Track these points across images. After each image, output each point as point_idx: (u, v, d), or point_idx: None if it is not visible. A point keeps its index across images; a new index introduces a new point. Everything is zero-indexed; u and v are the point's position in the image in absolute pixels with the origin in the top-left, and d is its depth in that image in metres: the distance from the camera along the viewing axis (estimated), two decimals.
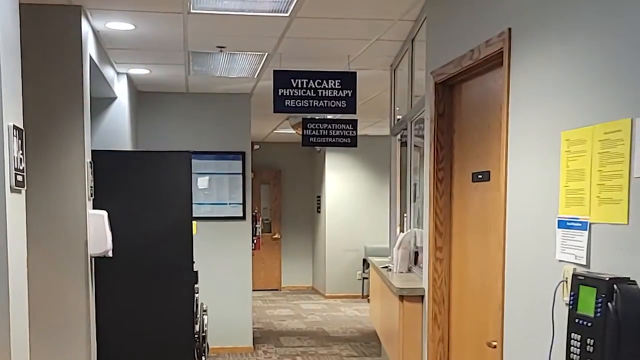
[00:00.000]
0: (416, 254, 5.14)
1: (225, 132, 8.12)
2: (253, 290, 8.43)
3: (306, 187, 13.73)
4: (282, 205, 13.72)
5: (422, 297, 4.23)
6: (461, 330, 3.90)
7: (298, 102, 5.99)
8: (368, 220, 12.44)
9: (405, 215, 5.46)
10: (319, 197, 13.14)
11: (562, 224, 2.50)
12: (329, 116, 9.18)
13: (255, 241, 8.85)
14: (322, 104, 6.03)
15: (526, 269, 2.82)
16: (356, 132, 9.10)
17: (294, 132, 10.67)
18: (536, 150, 2.75)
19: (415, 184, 5.18)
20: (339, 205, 12.54)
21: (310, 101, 6.01)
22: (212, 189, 8.23)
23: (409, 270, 5.10)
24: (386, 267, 5.40)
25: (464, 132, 3.82)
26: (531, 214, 2.79)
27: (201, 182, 8.16)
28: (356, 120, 9.09)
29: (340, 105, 6.05)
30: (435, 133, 4.01)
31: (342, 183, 12.55)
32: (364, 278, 12.26)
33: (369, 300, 12.14)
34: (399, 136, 6.46)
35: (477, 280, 3.62)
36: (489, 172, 3.45)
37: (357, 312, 10.99)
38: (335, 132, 9.14)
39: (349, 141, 9.14)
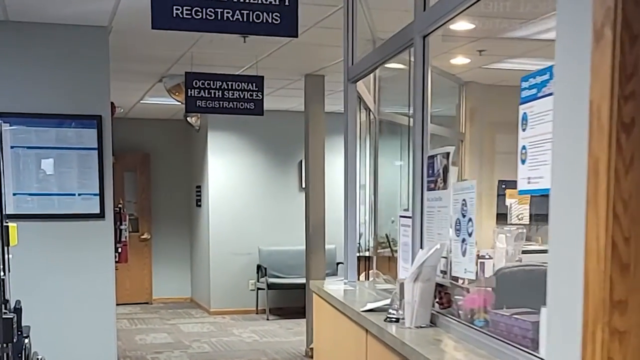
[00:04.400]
0: (440, 287, 2.65)
1: (71, 86, 5.28)
2: (117, 305, 5.73)
3: (183, 175, 11.14)
4: (153, 198, 11.11)
5: None
6: None
7: (197, 12, 3.34)
8: (263, 216, 10.17)
9: (406, 213, 2.94)
10: (199, 187, 10.55)
11: None
12: (225, 71, 6.55)
13: (120, 250, 6.04)
14: (239, 17, 3.41)
15: None
16: (262, 95, 6.57)
17: (172, 99, 7.92)
18: None
19: (440, 155, 2.64)
20: (226, 197, 10.03)
21: (217, 11, 3.39)
22: (53, 171, 5.43)
23: (432, 322, 2.60)
24: (373, 310, 2.85)
25: None
26: None
27: (46, 165, 5.41)
28: (262, 78, 6.56)
29: (271, 20, 3.45)
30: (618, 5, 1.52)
31: (229, 170, 10.09)
32: (259, 289, 9.78)
33: (267, 317, 9.66)
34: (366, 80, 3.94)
35: None
36: None
37: (256, 336, 8.42)
38: (233, 95, 6.54)
39: (253, 107, 6.58)
